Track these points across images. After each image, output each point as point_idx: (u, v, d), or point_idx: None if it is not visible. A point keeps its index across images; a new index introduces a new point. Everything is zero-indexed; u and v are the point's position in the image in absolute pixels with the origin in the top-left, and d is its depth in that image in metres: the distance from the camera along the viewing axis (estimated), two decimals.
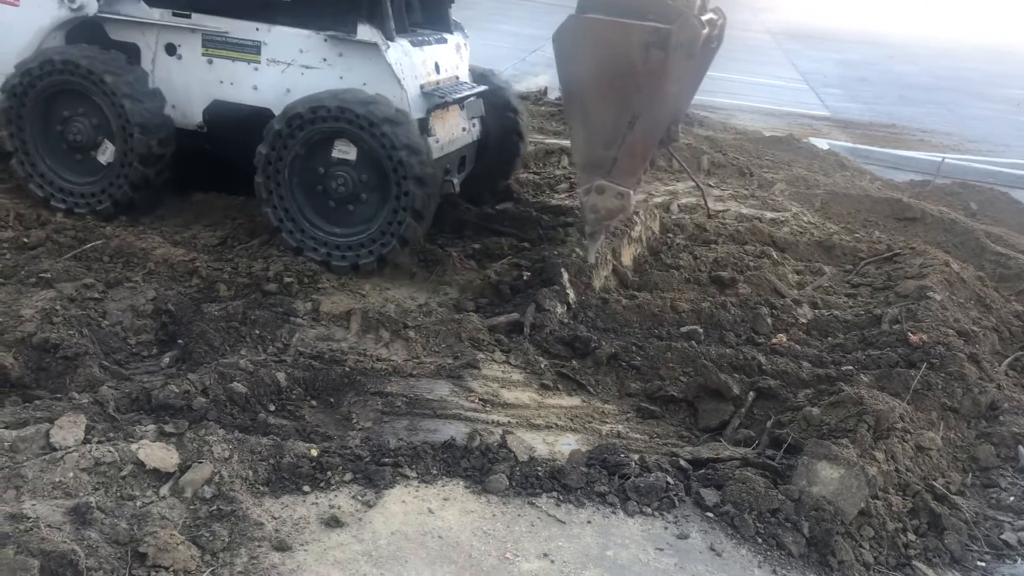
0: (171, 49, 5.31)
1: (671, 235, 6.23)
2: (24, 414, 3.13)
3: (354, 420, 3.63)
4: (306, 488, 3.02)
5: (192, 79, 5.31)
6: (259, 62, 5.17)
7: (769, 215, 7.09)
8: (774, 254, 6.04)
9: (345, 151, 4.93)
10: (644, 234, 5.94)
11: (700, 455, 3.49)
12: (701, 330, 4.72)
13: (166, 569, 2.49)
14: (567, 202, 6.69)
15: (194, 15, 5.19)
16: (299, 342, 4.17)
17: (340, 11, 5.00)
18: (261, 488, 2.98)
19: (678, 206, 7.05)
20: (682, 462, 3.41)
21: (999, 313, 5.42)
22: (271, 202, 5.01)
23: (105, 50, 5.24)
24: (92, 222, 5.22)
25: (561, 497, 3.15)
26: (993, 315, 5.36)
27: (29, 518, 2.52)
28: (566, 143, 7.89)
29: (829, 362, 4.44)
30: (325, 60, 5.09)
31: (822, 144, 10.75)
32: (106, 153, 5.29)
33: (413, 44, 5.30)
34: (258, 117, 5.10)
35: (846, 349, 4.65)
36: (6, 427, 2.97)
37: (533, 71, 13.19)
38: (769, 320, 4.90)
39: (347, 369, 3.95)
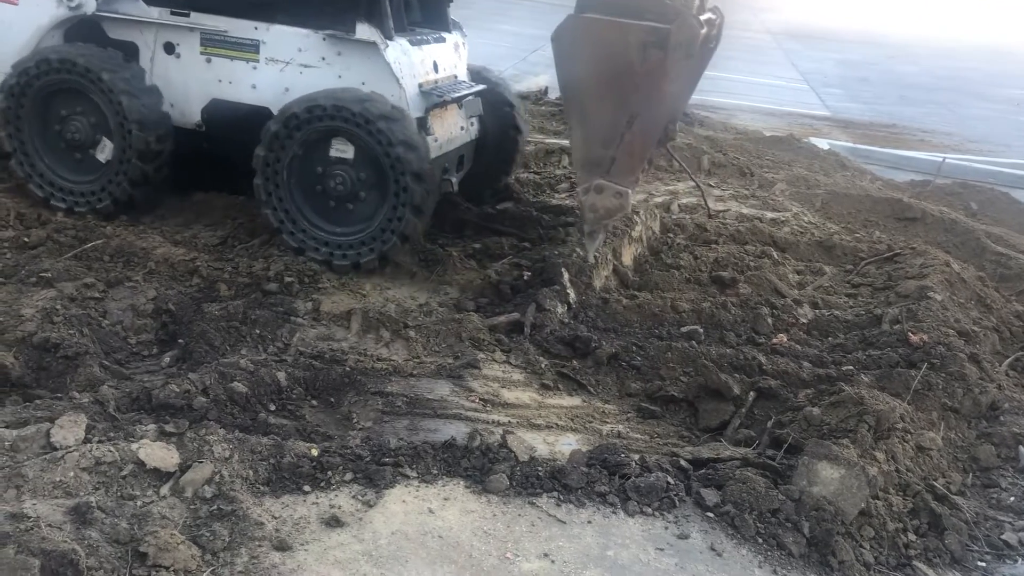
0: (170, 48, 5.31)
1: (671, 235, 6.23)
2: (24, 413, 3.13)
3: (354, 420, 3.63)
4: (306, 488, 3.02)
5: (190, 78, 5.31)
6: (258, 61, 5.17)
7: (770, 215, 7.09)
8: (775, 254, 6.03)
9: (342, 150, 4.93)
10: (645, 234, 5.94)
11: (700, 455, 3.49)
12: (701, 330, 4.72)
13: (166, 569, 2.49)
14: (567, 202, 6.68)
15: (193, 14, 5.19)
16: (299, 342, 4.17)
17: (339, 10, 5.00)
18: (261, 488, 2.98)
19: (678, 206, 7.05)
20: (682, 462, 3.42)
21: (999, 313, 5.42)
22: (271, 203, 5.01)
23: (102, 48, 5.24)
24: (93, 221, 5.22)
25: (561, 497, 3.15)
26: (993, 315, 5.36)
27: (30, 517, 2.52)
28: (566, 143, 7.88)
29: (830, 362, 4.44)
30: (324, 59, 5.09)
31: (822, 144, 10.74)
32: (105, 151, 5.29)
33: (412, 43, 5.29)
34: (256, 116, 5.10)
35: (846, 349, 4.65)
36: (6, 426, 2.97)
37: (533, 71, 13.20)
38: (769, 320, 4.90)
39: (347, 369, 3.95)
